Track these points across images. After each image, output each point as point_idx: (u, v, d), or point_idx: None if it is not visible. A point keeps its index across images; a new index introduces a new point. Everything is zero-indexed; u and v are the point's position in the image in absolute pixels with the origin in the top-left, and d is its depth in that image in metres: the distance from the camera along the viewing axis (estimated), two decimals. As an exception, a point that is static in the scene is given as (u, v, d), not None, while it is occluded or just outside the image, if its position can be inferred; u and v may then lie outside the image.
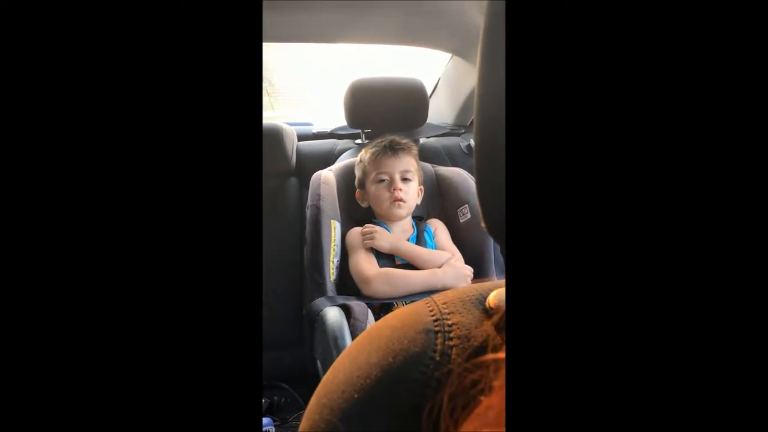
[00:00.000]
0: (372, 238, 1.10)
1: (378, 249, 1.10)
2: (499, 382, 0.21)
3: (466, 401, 0.22)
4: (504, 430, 0.20)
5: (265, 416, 1.18)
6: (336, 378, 0.27)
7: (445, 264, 1.09)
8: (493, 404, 0.21)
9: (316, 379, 0.29)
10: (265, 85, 2.10)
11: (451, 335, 0.26)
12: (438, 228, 1.20)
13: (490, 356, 0.23)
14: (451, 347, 0.25)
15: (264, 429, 1.09)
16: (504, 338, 0.24)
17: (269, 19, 1.20)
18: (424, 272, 1.07)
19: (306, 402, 0.28)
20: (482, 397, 0.21)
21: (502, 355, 0.22)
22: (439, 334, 0.26)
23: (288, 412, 1.24)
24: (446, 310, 0.27)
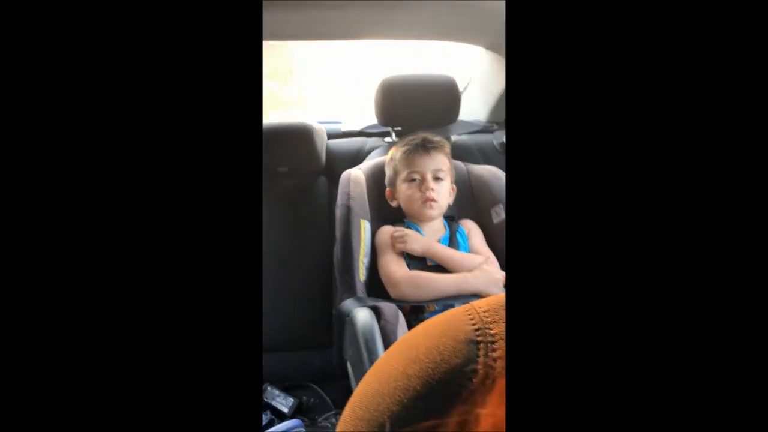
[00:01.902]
0: (404, 242, 1.08)
1: (411, 252, 1.08)
2: None
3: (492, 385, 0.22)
4: None
5: (294, 417, 1.18)
6: (371, 389, 0.25)
7: (477, 268, 1.06)
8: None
9: (345, 380, 0.28)
10: (295, 82, 2.12)
11: (495, 346, 0.24)
12: (472, 230, 1.17)
13: None
14: (495, 359, 0.23)
15: (294, 429, 1.09)
16: None
17: (299, 16, 1.20)
18: (454, 276, 1.04)
19: (335, 402, 0.27)
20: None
21: None
22: (482, 345, 0.24)
23: (317, 413, 1.24)
24: (488, 319, 0.25)
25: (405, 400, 0.23)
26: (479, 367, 0.23)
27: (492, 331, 0.25)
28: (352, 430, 0.25)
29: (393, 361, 0.26)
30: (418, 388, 0.23)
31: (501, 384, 0.21)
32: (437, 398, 0.23)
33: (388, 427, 0.23)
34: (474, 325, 0.25)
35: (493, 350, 0.24)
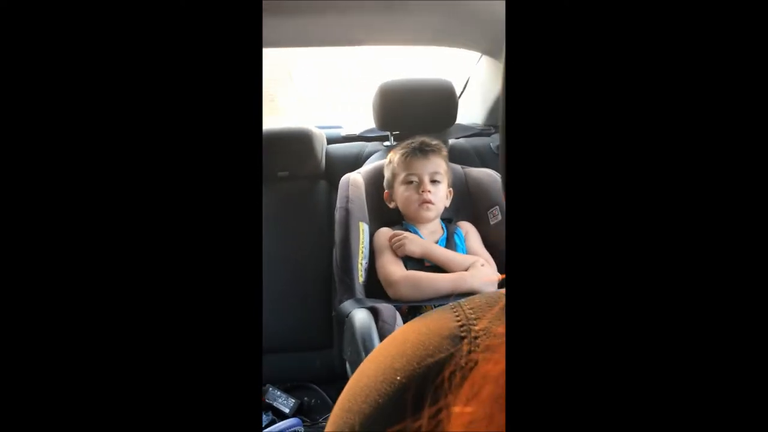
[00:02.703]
0: (402, 245, 1.09)
1: (410, 255, 1.10)
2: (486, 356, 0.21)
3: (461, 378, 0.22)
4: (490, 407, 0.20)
5: (295, 417, 1.19)
6: (360, 382, 0.27)
7: (472, 267, 1.07)
8: (477, 380, 0.21)
9: (345, 381, 0.29)
10: (294, 88, 2.14)
11: (477, 341, 0.25)
12: (469, 232, 1.19)
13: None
14: (477, 353, 0.25)
15: (293, 429, 1.10)
16: None
17: (297, 23, 1.22)
18: (451, 275, 1.06)
19: (335, 403, 0.28)
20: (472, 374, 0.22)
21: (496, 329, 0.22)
22: (465, 340, 0.25)
23: (318, 413, 1.25)
24: (473, 316, 0.27)
25: (390, 392, 0.25)
26: (462, 360, 0.24)
27: (476, 327, 0.26)
28: (341, 422, 0.26)
29: (381, 356, 0.27)
30: (403, 380, 0.25)
31: (471, 378, 0.22)
32: (421, 390, 0.24)
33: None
34: (459, 321, 0.26)
35: (477, 345, 0.25)
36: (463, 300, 0.29)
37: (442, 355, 0.25)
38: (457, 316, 0.27)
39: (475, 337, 0.25)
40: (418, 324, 0.28)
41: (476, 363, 0.22)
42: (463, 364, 0.23)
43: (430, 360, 0.25)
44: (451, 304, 0.28)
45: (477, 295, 0.29)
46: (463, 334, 0.26)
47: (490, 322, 0.24)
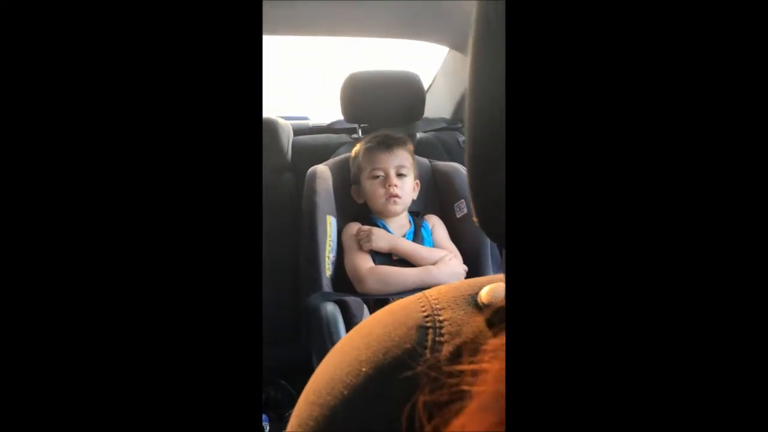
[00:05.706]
0: (369, 241, 1.09)
1: (376, 250, 1.10)
2: (478, 389, 0.21)
3: (442, 408, 0.21)
4: None
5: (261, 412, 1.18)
6: (325, 374, 0.27)
7: (440, 261, 1.08)
8: (471, 410, 0.20)
9: (311, 374, 0.29)
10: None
11: (443, 331, 0.25)
12: (436, 225, 1.20)
13: (466, 366, 0.22)
14: (442, 343, 0.25)
15: (259, 424, 1.09)
16: (495, 334, 0.23)
17: (267, 11, 1.19)
18: (418, 269, 1.07)
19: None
20: (459, 404, 0.21)
21: (481, 366, 0.22)
22: (430, 330, 0.25)
23: (284, 408, 1.24)
24: (438, 306, 0.27)
25: (355, 384, 0.24)
26: (427, 351, 0.24)
27: (441, 318, 0.26)
28: (306, 415, 0.26)
29: (347, 347, 0.27)
30: (368, 372, 0.25)
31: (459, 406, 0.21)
32: (386, 381, 0.24)
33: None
34: (424, 311, 0.26)
35: (441, 335, 0.25)
36: (428, 290, 0.29)
37: (408, 346, 0.25)
38: (423, 306, 0.27)
39: (440, 327, 0.25)
40: (383, 314, 0.28)
41: (460, 390, 0.22)
42: (437, 397, 0.22)
43: (396, 351, 0.25)
44: (417, 294, 0.28)
45: (443, 285, 0.29)
46: (428, 324, 0.26)
47: (477, 336, 0.24)
